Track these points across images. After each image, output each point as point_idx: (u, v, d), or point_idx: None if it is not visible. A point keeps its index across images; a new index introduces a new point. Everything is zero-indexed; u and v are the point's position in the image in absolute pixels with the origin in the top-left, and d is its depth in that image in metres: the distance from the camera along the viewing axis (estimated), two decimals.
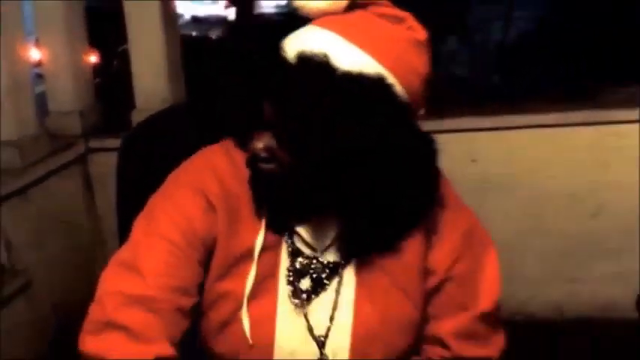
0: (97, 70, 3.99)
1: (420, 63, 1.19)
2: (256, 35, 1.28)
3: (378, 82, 1.16)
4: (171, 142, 1.50)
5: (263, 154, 1.21)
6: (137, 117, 3.12)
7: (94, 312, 1.24)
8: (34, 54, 3.50)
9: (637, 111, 2.88)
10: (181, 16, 12.60)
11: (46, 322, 3.08)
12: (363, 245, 1.27)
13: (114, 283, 1.25)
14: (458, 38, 6.33)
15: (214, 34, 9.39)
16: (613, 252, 2.94)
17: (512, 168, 2.97)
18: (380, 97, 1.16)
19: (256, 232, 1.29)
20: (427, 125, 2.68)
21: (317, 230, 1.30)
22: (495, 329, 1.37)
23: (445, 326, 1.33)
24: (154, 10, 3.21)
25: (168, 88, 3.24)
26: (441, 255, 1.31)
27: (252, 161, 1.24)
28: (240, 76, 1.24)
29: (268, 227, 1.30)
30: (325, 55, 1.16)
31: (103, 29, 3.41)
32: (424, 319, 1.34)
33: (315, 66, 1.16)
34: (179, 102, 3.18)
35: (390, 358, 1.33)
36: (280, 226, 1.30)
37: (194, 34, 9.20)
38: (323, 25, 1.20)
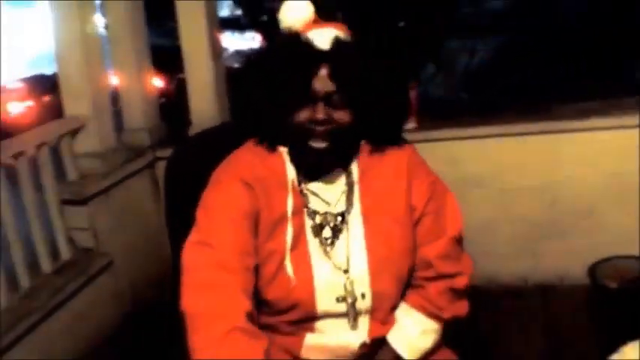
0: (162, 92, 4.09)
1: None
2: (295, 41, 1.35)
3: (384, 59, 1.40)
4: (212, 153, 1.50)
5: (326, 118, 1.31)
6: (192, 132, 3.24)
7: (185, 280, 1.29)
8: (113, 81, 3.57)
9: (585, 122, 2.91)
10: (226, 49, 12.79)
11: (123, 296, 3.20)
12: (389, 140, 1.42)
13: (193, 257, 1.31)
14: (435, 65, 6.55)
15: None
16: (567, 233, 2.98)
17: (486, 168, 3.03)
18: (386, 66, 1.39)
19: (285, 201, 1.37)
20: (418, 135, 3.06)
21: (328, 188, 1.40)
22: (463, 252, 1.49)
23: (429, 251, 1.44)
24: (205, 46, 3.30)
25: (216, 109, 3.34)
26: (420, 195, 1.42)
27: (304, 129, 1.32)
28: (293, 63, 1.31)
29: (294, 195, 1.37)
30: (349, 37, 1.35)
31: (167, 61, 3.59)
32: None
33: (352, 43, 1.34)
34: (224, 121, 3.19)
35: (399, 277, 1.42)
36: (304, 183, 1.39)
37: (236, 65, 9.35)
38: (318, 27, 1.35)
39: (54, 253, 3.01)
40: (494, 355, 2.51)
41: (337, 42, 1.33)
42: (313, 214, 1.40)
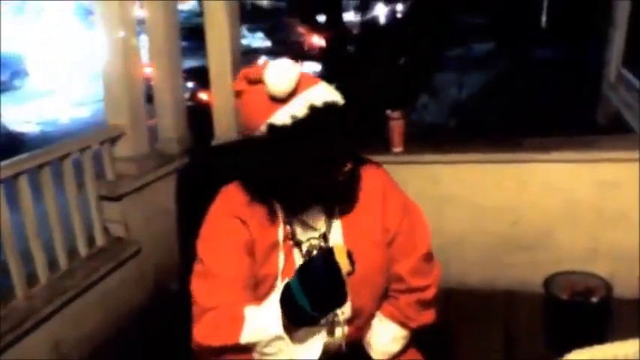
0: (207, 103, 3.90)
1: None
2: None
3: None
4: (223, 166, 1.47)
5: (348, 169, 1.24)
6: (215, 144, 3.19)
7: (196, 312, 1.22)
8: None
9: (548, 154, 2.86)
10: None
11: (149, 279, 3.19)
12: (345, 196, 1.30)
13: (200, 289, 1.25)
14: (428, 95, 6.53)
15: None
16: (528, 248, 2.94)
17: (461, 189, 2.99)
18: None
19: (276, 231, 1.30)
20: (404, 158, 3.04)
21: (317, 216, 1.34)
22: (432, 265, 1.43)
23: (401, 267, 1.39)
24: (228, 69, 3.27)
25: (237, 123, 3.24)
26: (393, 217, 1.36)
27: (331, 177, 1.23)
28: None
29: (284, 225, 1.30)
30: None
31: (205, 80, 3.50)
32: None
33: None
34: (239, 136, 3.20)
35: (376, 294, 1.38)
36: (293, 218, 1.31)
37: None
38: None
39: (90, 240, 3.00)
40: (457, 351, 2.46)
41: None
42: (300, 244, 1.34)
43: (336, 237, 1.33)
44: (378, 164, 1.42)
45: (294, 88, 1.21)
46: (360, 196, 1.35)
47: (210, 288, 1.22)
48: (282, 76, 1.20)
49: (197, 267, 1.26)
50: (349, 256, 1.09)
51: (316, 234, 1.33)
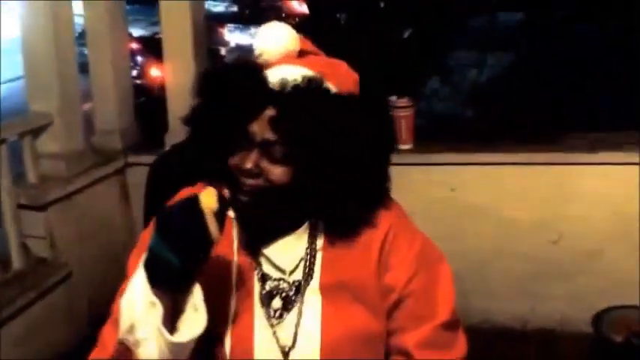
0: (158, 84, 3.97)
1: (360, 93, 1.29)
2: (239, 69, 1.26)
3: (354, 104, 1.24)
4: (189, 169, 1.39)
5: (255, 170, 1.20)
6: (169, 138, 3.22)
7: (102, 337, 1.25)
8: None
9: (597, 154, 2.90)
10: (228, 43, 12.90)
11: (80, 314, 3.14)
12: (345, 226, 1.26)
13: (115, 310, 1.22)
14: (439, 78, 6.51)
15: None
16: (571, 274, 2.97)
17: (486, 198, 3.01)
18: (357, 115, 1.22)
19: (229, 266, 1.27)
20: (413, 158, 3.02)
21: (285, 253, 1.29)
22: (456, 335, 1.34)
23: (408, 338, 1.30)
24: (188, 46, 3.26)
25: None
26: (399, 274, 1.29)
27: (237, 181, 1.22)
28: (230, 104, 1.21)
29: (240, 256, 1.28)
30: (320, 80, 1.22)
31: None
32: (388, 333, 1.31)
33: (314, 89, 1.20)
34: None
35: None
36: (255, 245, 1.28)
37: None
38: (287, 63, 1.25)
39: (5, 262, 2.97)
40: None
41: (292, 85, 1.21)
42: (264, 279, 1.29)
43: (313, 288, 1.28)
44: (389, 198, 1.34)
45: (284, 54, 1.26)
46: (354, 243, 1.28)
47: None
48: (269, 39, 1.26)
49: (126, 281, 1.24)
50: (221, 197, 1.15)
51: (288, 278, 1.29)
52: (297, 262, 1.29)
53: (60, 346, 3.03)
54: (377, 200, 1.29)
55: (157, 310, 1.13)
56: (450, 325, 1.31)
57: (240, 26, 13.69)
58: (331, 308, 1.26)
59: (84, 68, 3.33)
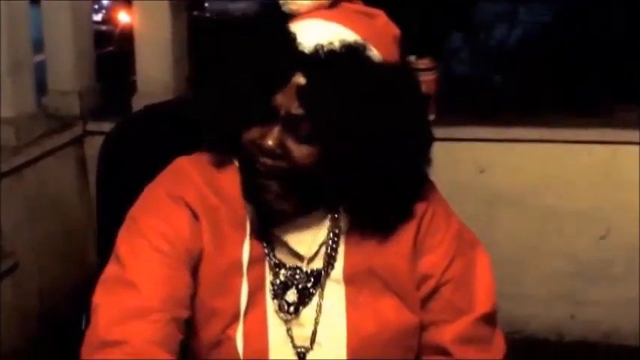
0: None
1: (399, 55, 1.25)
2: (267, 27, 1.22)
3: (399, 74, 1.20)
4: (157, 138, 1.48)
5: (277, 150, 1.17)
6: (138, 102, 3.10)
7: (89, 335, 1.20)
8: None
9: None
10: None
11: (29, 311, 3.06)
12: (371, 213, 1.26)
13: (107, 301, 1.21)
14: (462, 35, 6.39)
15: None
16: (620, 276, 2.92)
17: (520, 182, 2.96)
18: (398, 87, 1.19)
19: (240, 246, 1.26)
20: (436, 132, 2.66)
21: (303, 236, 1.29)
22: (495, 330, 1.36)
23: (446, 333, 1.32)
24: None
25: (172, 74, 3.18)
26: (436, 258, 1.31)
27: (252, 160, 1.20)
28: (252, 67, 1.18)
29: (253, 239, 1.27)
30: (362, 45, 1.16)
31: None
32: (422, 327, 1.33)
33: (354, 57, 1.16)
34: (181, 93, 3.12)
35: None
36: (269, 231, 1.28)
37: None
38: (319, 17, 1.20)
39: None
40: None
41: (327, 49, 1.15)
42: (277, 266, 1.29)
43: (335, 278, 1.29)
44: (424, 176, 1.35)
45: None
46: (388, 220, 1.28)
47: (121, 304, 1.19)
48: None
49: (111, 266, 1.24)
50: None
51: (306, 266, 1.30)
52: (317, 247, 1.29)
53: (5, 347, 2.91)
54: (415, 191, 1.29)
55: None
56: (491, 319, 1.35)
57: None
58: (358, 300, 1.28)
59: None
